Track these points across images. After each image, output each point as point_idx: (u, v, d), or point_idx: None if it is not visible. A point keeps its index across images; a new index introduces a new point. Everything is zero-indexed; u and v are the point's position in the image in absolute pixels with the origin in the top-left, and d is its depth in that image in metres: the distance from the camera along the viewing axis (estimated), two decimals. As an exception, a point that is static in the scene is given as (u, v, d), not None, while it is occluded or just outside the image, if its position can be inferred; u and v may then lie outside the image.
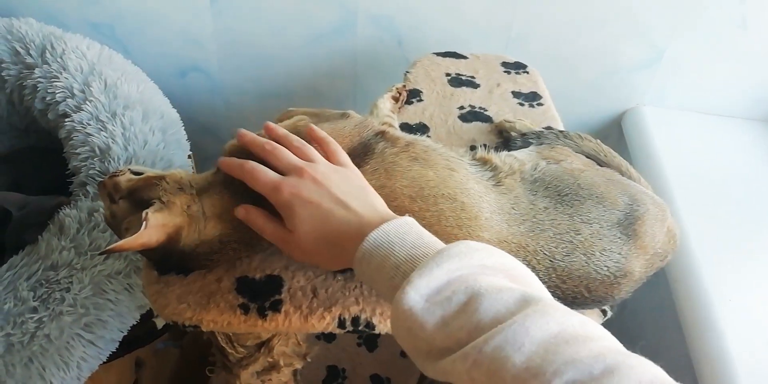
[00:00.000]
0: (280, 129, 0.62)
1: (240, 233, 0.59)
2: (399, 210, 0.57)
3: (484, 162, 0.66)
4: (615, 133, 1.31)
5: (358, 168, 0.60)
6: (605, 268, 0.59)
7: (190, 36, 1.27)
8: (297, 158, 0.58)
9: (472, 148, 0.80)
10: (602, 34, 1.16)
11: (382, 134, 0.66)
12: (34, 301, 0.76)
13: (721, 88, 1.22)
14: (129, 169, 0.62)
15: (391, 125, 0.73)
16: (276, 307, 0.58)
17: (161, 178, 0.61)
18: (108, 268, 0.81)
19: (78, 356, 0.78)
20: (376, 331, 0.59)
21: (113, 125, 0.95)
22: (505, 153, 0.67)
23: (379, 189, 0.58)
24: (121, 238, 0.57)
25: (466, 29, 1.19)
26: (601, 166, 0.71)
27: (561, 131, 0.76)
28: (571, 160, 0.65)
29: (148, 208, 0.56)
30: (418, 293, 0.43)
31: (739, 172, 1.13)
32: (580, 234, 0.59)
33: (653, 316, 1.00)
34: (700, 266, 0.90)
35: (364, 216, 0.53)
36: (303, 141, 0.61)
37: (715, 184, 1.09)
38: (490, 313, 0.40)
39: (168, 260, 0.58)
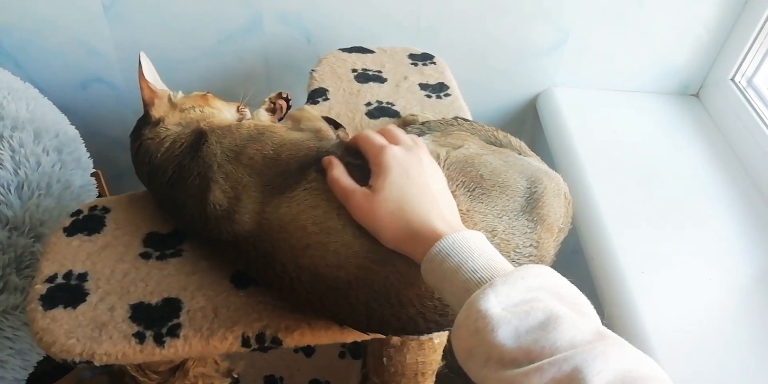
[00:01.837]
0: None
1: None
2: None
3: None
4: (531, 116, 1.33)
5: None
6: (521, 263, 0.59)
7: (87, 46, 1.20)
8: (405, 135, 0.61)
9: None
10: (508, 20, 1.17)
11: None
12: None
13: (627, 65, 1.25)
14: None
15: None
16: (174, 332, 0.55)
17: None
18: (2, 305, 0.75)
19: (-22, 400, 0.72)
20: (284, 346, 0.57)
21: (0, 148, 0.89)
22: None
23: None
24: None
25: (376, 23, 1.17)
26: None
27: (454, 118, 0.75)
28: (468, 145, 0.64)
29: None
30: (497, 298, 0.43)
31: (649, 144, 1.16)
32: (496, 234, 0.58)
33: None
34: (614, 241, 0.92)
35: (448, 217, 0.53)
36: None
37: (626, 158, 1.11)
38: (567, 336, 0.40)
39: None
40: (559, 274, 0.48)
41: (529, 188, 0.62)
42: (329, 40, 1.20)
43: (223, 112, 0.70)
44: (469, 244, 0.49)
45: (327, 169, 0.58)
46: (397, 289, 0.53)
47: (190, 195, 0.60)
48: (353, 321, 0.55)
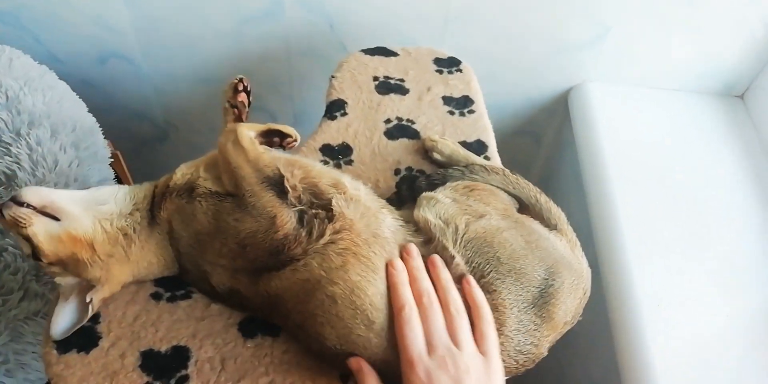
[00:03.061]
0: (445, 272, 0.59)
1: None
2: None
3: (408, 221, 0.63)
4: (561, 110, 1.27)
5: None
6: (514, 362, 0.58)
7: (105, 23, 1.17)
8: (446, 335, 0.56)
9: (396, 171, 0.78)
10: (546, 11, 1.09)
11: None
12: (-54, 357, 0.73)
13: (668, 62, 1.18)
14: (32, 207, 0.57)
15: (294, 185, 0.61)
16: (182, 384, 0.57)
17: (90, 246, 0.58)
18: (23, 311, 0.78)
19: (4, 403, 0.77)
20: (288, 400, 0.58)
21: (18, 147, 0.89)
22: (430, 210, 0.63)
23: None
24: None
25: (402, 7, 1.11)
26: (511, 195, 0.69)
27: (466, 166, 0.71)
28: (491, 215, 0.61)
29: (87, 283, 0.59)
30: None
31: (682, 148, 1.11)
32: (503, 331, 0.58)
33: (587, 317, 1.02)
34: (633, 269, 0.90)
35: None
36: (463, 310, 0.57)
37: (656, 164, 1.07)
38: None
39: None
40: None
41: (546, 279, 0.59)
42: (352, 26, 1.15)
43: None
44: None
45: (357, 376, 0.55)
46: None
47: (198, 280, 0.62)
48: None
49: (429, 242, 0.61)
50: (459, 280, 0.59)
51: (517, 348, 0.57)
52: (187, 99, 1.34)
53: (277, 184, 0.59)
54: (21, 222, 0.56)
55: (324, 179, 0.62)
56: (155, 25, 1.17)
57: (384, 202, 0.65)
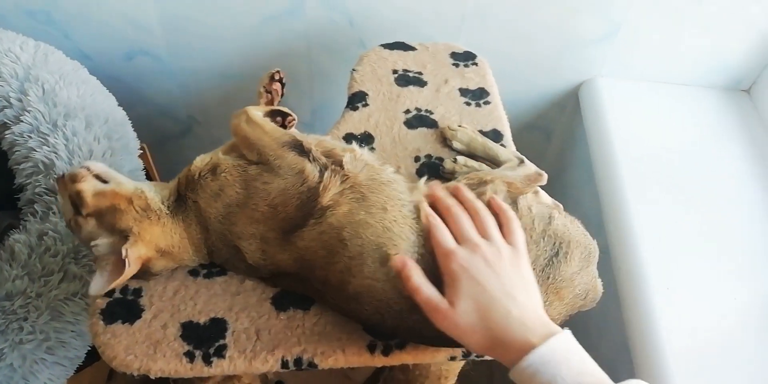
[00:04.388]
0: (469, 193, 0.64)
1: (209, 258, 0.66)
2: None
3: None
4: (571, 105, 1.31)
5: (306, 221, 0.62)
6: None
7: (133, 21, 1.21)
8: (475, 232, 0.60)
9: (416, 159, 0.82)
10: (558, 7, 1.13)
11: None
12: (-8, 333, 0.78)
13: (677, 58, 1.21)
14: (89, 170, 0.65)
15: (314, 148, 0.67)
16: (221, 352, 0.61)
17: (128, 200, 0.64)
18: (63, 292, 0.82)
19: (44, 378, 0.81)
20: (319, 368, 0.62)
21: (55, 137, 0.93)
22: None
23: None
24: (84, 245, 0.66)
25: (420, 5, 1.15)
26: None
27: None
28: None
29: (121, 238, 0.62)
30: None
31: (690, 141, 1.14)
32: None
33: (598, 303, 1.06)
34: (643, 252, 0.93)
35: (528, 319, 0.54)
36: (488, 211, 0.62)
37: (665, 155, 1.10)
38: None
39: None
40: None
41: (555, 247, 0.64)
42: (372, 24, 1.19)
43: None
44: (557, 357, 0.50)
45: (403, 275, 0.57)
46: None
47: (230, 257, 0.65)
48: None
49: None
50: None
51: None
52: (210, 94, 1.39)
53: (298, 146, 0.65)
54: (76, 177, 0.63)
55: (336, 146, 0.68)
56: (181, 23, 1.21)
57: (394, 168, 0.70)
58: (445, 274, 0.57)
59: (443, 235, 0.59)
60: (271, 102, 0.74)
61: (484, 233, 0.60)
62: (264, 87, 0.74)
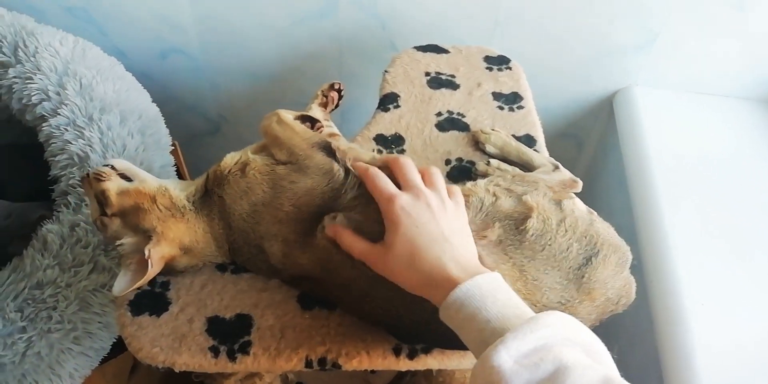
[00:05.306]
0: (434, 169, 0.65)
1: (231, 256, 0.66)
2: None
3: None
4: (606, 114, 1.29)
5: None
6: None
7: (169, 20, 1.23)
8: (420, 180, 0.60)
9: (447, 162, 0.81)
10: (595, 15, 1.11)
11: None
12: (22, 321, 0.79)
13: (717, 68, 1.18)
14: (113, 169, 0.66)
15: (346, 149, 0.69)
16: (245, 349, 0.61)
17: (152, 199, 0.64)
18: (92, 283, 0.83)
19: (70, 368, 0.82)
20: (343, 369, 0.61)
21: (90, 131, 0.95)
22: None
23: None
24: (110, 244, 0.69)
25: (453, 10, 1.14)
26: None
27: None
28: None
29: (145, 238, 0.62)
30: (508, 353, 0.45)
31: (728, 153, 1.11)
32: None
33: (629, 316, 1.03)
34: (678, 267, 0.90)
35: (461, 260, 0.55)
36: (437, 170, 0.63)
37: (701, 168, 1.07)
38: None
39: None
40: (573, 320, 0.49)
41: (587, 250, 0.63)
42: (404, 27, 1.19)
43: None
44: (482, 292, 0.51)
45: (338, 241, 0.59)
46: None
47: (251, 257, 0.65)
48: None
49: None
50: None
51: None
52: (240, 94, 1.40)
53: (327, 147, 0.66)
54: (101, 176, 0.64)
55: (366, 154, 0.68)
56: (215, 23, 1.23)
57: None
58: (387, 218, 0.58)
59: (385, 182, 0.60)
60: (325, 105, 0.77)
61: (430, 184, 0.60)
62: (322, 91, 0.78)
